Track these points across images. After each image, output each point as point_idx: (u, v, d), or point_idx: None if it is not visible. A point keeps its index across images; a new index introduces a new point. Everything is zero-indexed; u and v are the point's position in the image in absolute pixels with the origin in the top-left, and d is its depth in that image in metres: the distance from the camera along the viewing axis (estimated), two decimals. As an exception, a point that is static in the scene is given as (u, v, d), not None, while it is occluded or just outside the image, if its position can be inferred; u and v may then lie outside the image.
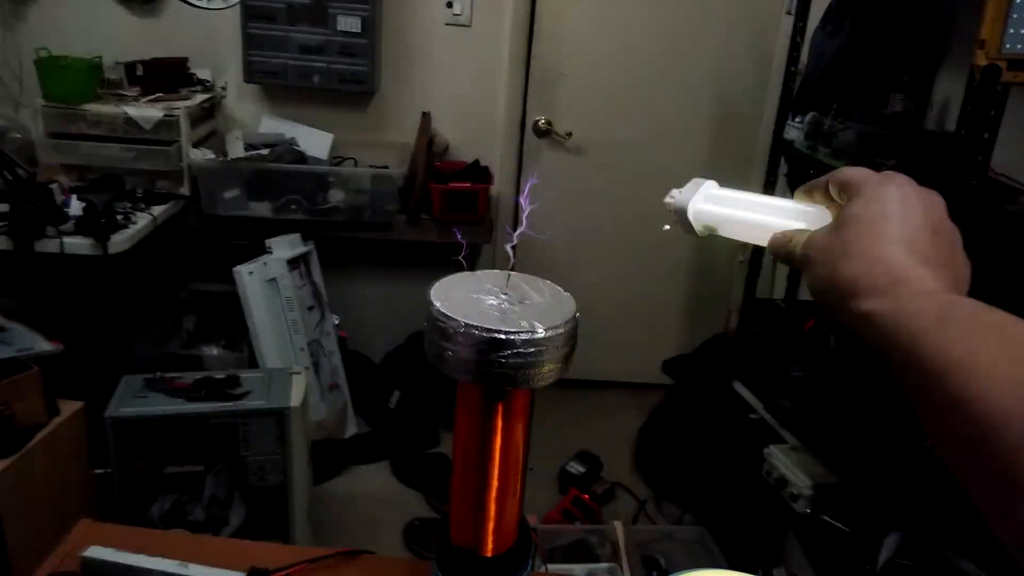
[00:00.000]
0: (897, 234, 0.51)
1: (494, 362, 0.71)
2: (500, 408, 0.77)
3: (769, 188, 2.45)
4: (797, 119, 2.22)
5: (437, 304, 0.73)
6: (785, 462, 2.03)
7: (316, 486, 2.51)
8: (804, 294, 2.68)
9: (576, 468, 2.74)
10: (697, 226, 0.67)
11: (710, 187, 0.67)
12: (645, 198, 3.22)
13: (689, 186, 0.68)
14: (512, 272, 0.81)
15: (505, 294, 0.78)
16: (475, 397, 0.78)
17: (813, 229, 0.58)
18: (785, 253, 0.59)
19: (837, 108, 2.06)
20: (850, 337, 1.81)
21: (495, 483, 0.80)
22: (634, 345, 3.28)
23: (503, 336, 0.70)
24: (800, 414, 2.15)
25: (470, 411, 0.78)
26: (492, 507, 0.82)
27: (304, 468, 2.15)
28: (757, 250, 2.64)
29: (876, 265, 0.50)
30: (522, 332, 0.70)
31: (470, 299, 0.76)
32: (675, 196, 0.67)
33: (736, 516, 2.34)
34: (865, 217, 0.52)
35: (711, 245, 3.27)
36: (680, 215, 0.67)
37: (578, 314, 0.77)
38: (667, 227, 0.70)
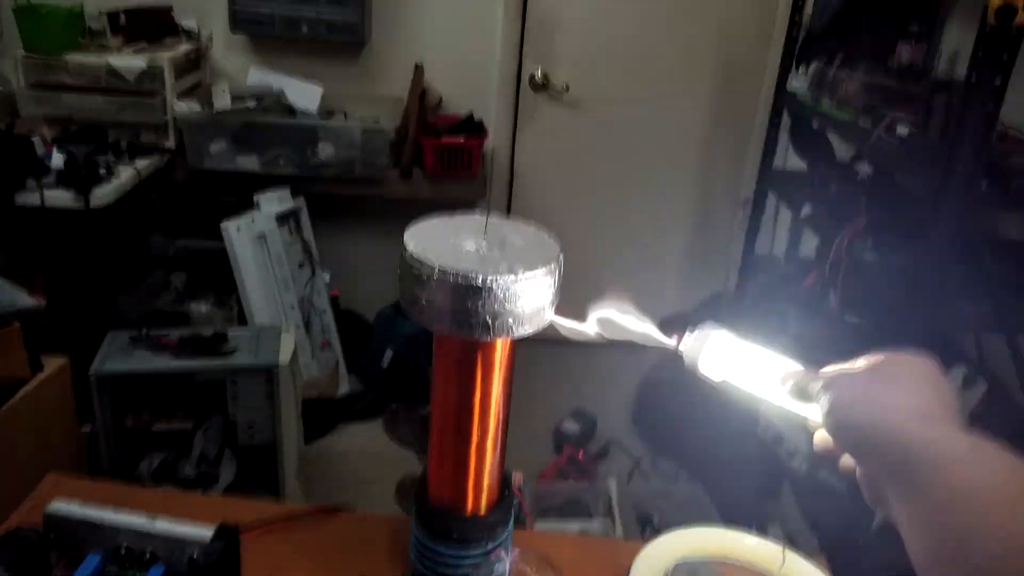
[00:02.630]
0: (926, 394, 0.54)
1: (471, 309, 0.66)
2: (479, 359, 0.73)
3: (771, 143, 2.39)
4: (801, 69, 2.15)
5: (410, 247, 0.69)
6: (783, 419, 2.00)
7: (308, 444, 2.49)
8: (804, 251, 2.64)
9: (570, 426, 2.72)
10: (714, 377, 0.69)
11: (718, 340, 0.68)
12: (644, 154, 3.20)
13: (698, 337, 0.69)
14: (492, 215, 0.76)
15: (484, 238, 0.73)
16: (452, 347, 0.73)
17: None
18: (798, 386, 0.62)
19: (843, 58, 1.99)
20: (853, 293, 1.76)
21: (474, 439, 0.77)
22: (632, 304, 3.24)
23: (480, 281, 0.66)
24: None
25: (447, 362, 0.74)
26: (472, 464, 0.78)
27: (294, 426, 2.12)
28: (756, 209, 2.59)
29: (912, 401, 0.52)
30: (501, 277, 0.66)
31: (446, 243, 0.71)
32: (687, 345, 0.69)
33: (731, 474, 2.32)
34: (896, 372, 0.55)
35: (710, 204, 3.22)
36: (691, 367, 0.69)
37: (562, 257, 0.72)
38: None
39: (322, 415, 2.66)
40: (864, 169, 2.01)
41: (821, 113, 1.96)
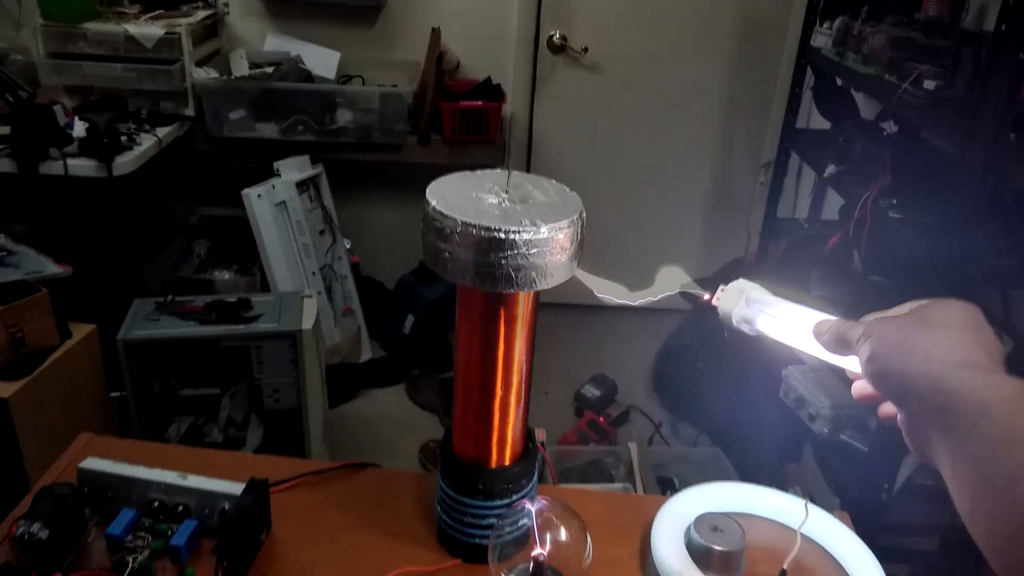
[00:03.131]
0: (969, 340, 0.53)
1: (494, 263, 0.67)
2: (502, 312, 0.73)
3: (794, 101, 2.35)
4: (825, 24, 2.11)
5: (433, 202, 0.69)
6: (804, 383, 1.99)
7: (332, 409, 2.52)
8: (827, 213, 2.60)
9: (591, 391, 2.73)
10: (748, 331, 0.69)
11: (752, 293, 0.69)
12: (664, 116, 3.16)
13: (732, 291, 0.69)
14: (514, 171, 0.76)
15: (506, 193, 0.73)
16: (475, 301, 0.74)
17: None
18: (836, 335, 0.60)
19: (868, 11, 1.94)
20: (877, 252, 1.74)
21: (498, 391, 0.77)
22: (651, 270, 3.23)
23: (503, 235, 0.66)
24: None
25: (470, 316, 0.75)
26: (496, 417, 0.79)
27: (319, 390, 2.15)
28: (778, 171, 2.56)
29: (955, 347, 0.52)
30: (524, 230, 0.66)
31: (469, 198, 0.71)
32: (721, 298, 0.69)
33: (752, 438, 2.33)
34: (938, 319, 0.54)
35: (731, 167, 3.18)
36: (725, 320, 0.69)
37: (584, 213, 0.72)
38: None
39: (346, 380, 2.69)
40: (890, 127, 1.97)
41: (846, 69, 1.92)
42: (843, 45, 1.98)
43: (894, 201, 1.67)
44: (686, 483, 2.23)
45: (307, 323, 2.03)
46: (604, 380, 2.79)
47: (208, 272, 2.61)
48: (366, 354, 2.84)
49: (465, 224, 0.66)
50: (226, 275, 2.60)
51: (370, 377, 2.80)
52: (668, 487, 2.24)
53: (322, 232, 2.71)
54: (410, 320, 2.85)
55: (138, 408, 2.02)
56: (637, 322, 3.21)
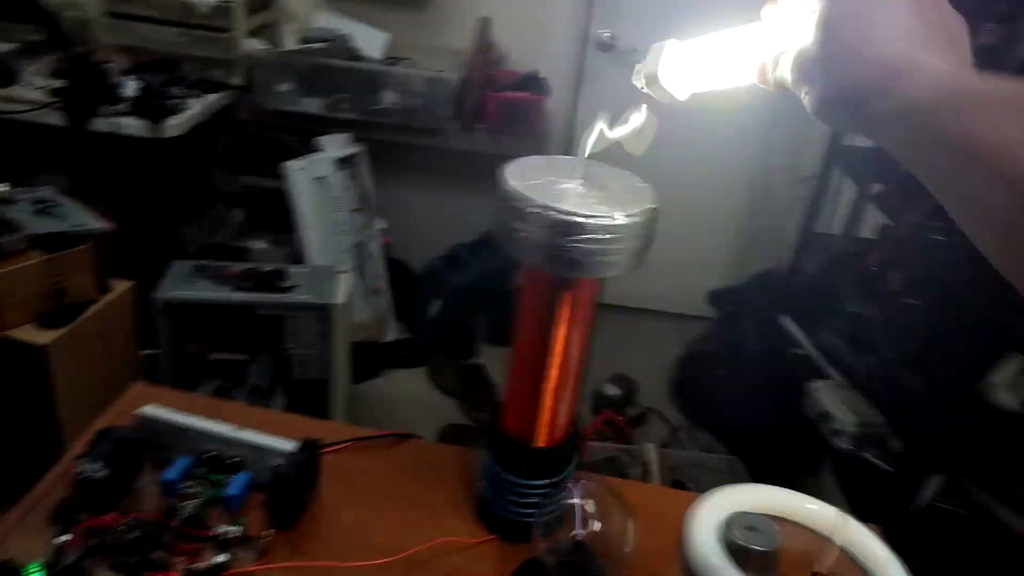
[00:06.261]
0: (886, 25, 0.45)
1: (566, 246, 0.68)
2: (567, 297, 0.74)
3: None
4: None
5: (512, 183, 0.70)
6: (831, 398, 2.00)
7: (355, 385, 2.54)
8: (865, 230, 2.60)
9: (611, 390, 2.74)
10: (678, 94, 0.65)
11: (671, 47, 0.63)
12: (706, 122, 3.13)
13: (650, 56, 0.64)
14: (589, 159, 0.77)
15: (581, 179, 0.74)
16: (542, 283, 0.75)
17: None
18: (777, 82, 0.55)
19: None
20: (916, 274, 1.73)
21: (553, 376, 0.79)
22: (680, 275, 3.23)
23: (580, 219, 0.67)
24: (850, 352, 2.10)
25: (535, 297, 0.76)
26: (548, 399, 0.80)
27: (344, 365, 2.17)
28: (821, 182, 2.55)
29: (871, 65, 0.45)
30: (599, 217, 0.67)
31: (545, 181, 0.72)
32: (640, 71, 0.64)
33: (771, 450, 2.33)
34: (846, 16, 0.47)
35: (771, 178, 3.17)
36: (654, 89, 0.64)
37: (657, 207, 0.73)
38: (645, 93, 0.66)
39: (370, 358, 2.71)
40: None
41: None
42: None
43: (939, 224, 1.67)
44: (701, 488, 2.25)
45: (340, 297, 2.05)
46: (625, 380, 2.79)
47: (244, 241, 2.64)
48: (391, 334, 2.86)
49: (542, 205, 0.67)
50: (261, 244, 2.63)
51: (394, 357, 2.82)
52: (683, 491, 2.24)
53: (358, 210, 2.73)
54: (437, 305, 2.87)
55: (170, 368, 2.05)
56: (662, 326, 3.21)
